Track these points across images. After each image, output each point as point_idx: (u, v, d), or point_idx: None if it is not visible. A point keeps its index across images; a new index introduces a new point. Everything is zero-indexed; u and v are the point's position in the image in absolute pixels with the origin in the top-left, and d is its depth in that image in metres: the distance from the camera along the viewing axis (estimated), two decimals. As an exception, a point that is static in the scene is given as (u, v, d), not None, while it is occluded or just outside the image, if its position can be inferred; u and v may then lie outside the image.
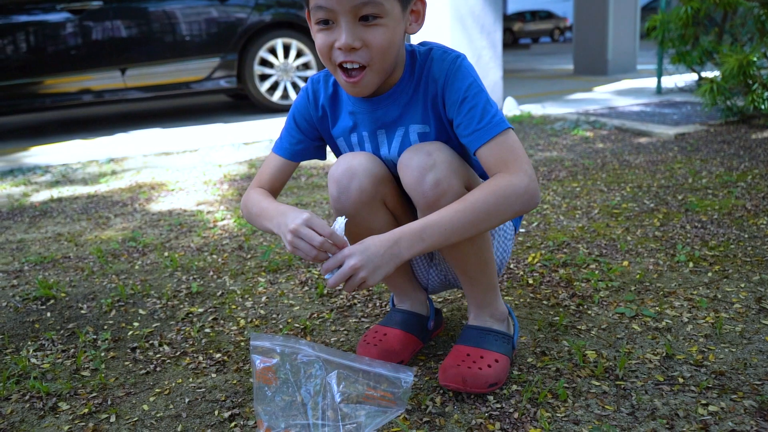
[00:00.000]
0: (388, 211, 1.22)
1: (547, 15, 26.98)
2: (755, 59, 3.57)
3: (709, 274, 1.64)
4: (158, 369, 1.34)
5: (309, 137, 1.25)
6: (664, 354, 1.26)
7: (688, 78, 5.64)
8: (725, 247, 1.82)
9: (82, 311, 1.66)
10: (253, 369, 1.04)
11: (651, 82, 6.45)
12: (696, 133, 3.61)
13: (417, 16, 1.09)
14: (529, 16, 26.69)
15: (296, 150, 1.26)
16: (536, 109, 4.92)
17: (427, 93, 1.13)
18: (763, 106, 3.53)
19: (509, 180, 1.02)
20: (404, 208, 1.24)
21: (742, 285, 1.56)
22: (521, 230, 2.08)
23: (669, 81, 5.85)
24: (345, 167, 1.16)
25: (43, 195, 3.07)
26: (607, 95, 5.74)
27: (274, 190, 1.26)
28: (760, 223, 2.00)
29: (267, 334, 1.13)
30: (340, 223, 1.05)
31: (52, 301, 1.74)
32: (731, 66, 3.55)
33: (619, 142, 3.52)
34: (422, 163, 1.09)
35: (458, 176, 1.10)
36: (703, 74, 5.06)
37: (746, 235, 1.90)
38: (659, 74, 5.71)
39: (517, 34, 25.74)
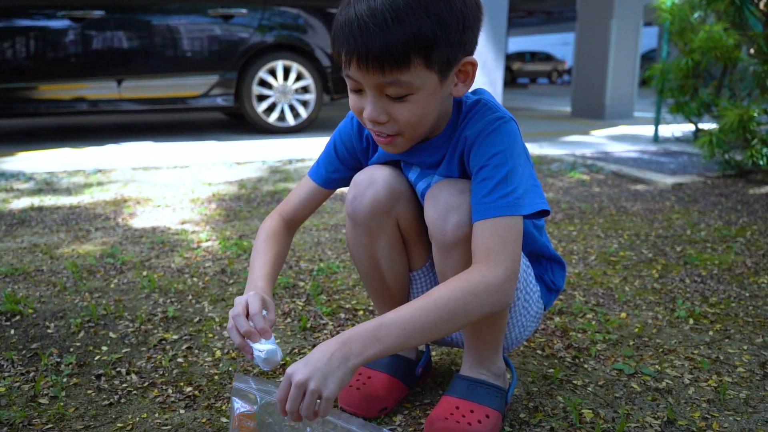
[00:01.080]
0: (399, 232, 1.16)
1: (546, 57, 27.43)
2: (755, 114, 3.57)
3: (710, 332, 1.57)
4: (123, 401, 1.24)
5: (347, 166, 1.20)
6: (666, 419, 1.18)
7: (685, 128, 5.67)
8: (726, 304, 1.75)
9: (49, 330, 1.56)
10: (231, 413, 0.96)
11: (647, 130, 6.47)
12: (693, 183, 3.59)
13: (465, 77, 0.99)
14: (529, 56, 27.12)
15: (333, 178, 1.20)
16: (533, 149, 4.90)
17: (457, 148, 1.06)
18: (761, 162, 3.52)
19: (483, 275, 0.93)
20: (418, 236, 1.17)
21: (745, 347, 1.49)
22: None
23: (666, 130, 5.87)
24: (367, 173, 1.12)
25: (23, 202, 2.97)
26: (603, 140, 5.74)
27: (298, 219, 1.21)
28: (761, 281, 1.94)
29: (251, 377, 1.04)
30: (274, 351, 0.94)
31: (17, 317, 1.64)
32: (731, 120, 3.54)
33: (615, 188, 3.49)
34: (451, 200, 1.02)
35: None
36: (701, 126, 5.08)
37: (747, 294, 1.83)
38: (657, 122, 5.73)
39: (516, 74, 26.10)
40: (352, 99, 1.00)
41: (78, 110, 5.01)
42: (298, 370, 0.85)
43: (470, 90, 1.09)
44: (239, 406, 0.96)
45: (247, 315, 0.95)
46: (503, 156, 0.99)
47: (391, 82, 0.92)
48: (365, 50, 0.90)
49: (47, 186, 3.37)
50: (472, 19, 0.95)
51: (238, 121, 6.71)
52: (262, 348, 0.92)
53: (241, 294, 1.79)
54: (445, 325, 0.91)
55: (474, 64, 0.98)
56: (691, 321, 1.64)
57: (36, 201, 3.00)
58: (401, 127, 0.98)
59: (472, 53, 0.98)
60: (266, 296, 1.00)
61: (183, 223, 2.62)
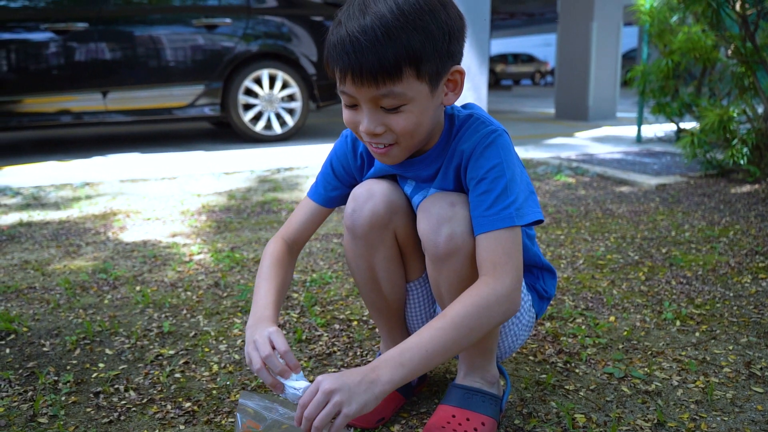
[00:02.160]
0: (396, 244, 1.19)
1: (529, 58, 27.61)
2: (735, 115, 3.64)
3: (697, 334, 1.61)
4: (122, 418, 1.25)
5: (345, 184, 1.22)
6: (656, 421, 1.21)
7: (667, 128, 5.75)
8: (711, 305, 1.80)
9: (45, 348, 1.57)
10: (237, 428, 0.97)
11: (630, 130, 6.56)
12: (677, 184, 3.65)
13: (454, 86, 1.03)
14: (512, 58, 27.29)
15: (332, 196, 1.23)
16: (520, 153, 4.93)
17: (453, 162, 1.09)
18: (742, 161, 3.59)
19: (492, 288, 0.98)
20: (415, 248, 1.20)
21: (731, 347, 1.53)
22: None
23: (648, 130, 5.95)
24: (366, 187, 1.15)
25: (11, 218, 2.96)
26: (587, 141, 5.81)
27: (301, 240, 1.23)
28: (744, 281, 1.99)
29: (258, 394, 1.06)
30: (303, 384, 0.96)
31: (12, 336, 1.64)
32: (711, 120, 3.61)
33: (601, 190, 3.54)
34: (442, 212, 1.06)
35: (474, 237, 1.05)
36: (682, 125, 5.16)
37: (731, 294, 1.88)
38: (639, 123, 5.81)
39: (499, 76, 26.26)
40: (347, 114, 1.03)
41: (63, 123, 4.99)
42: (327, 379, 0.89)
43: (460, 104, 1.12)
44: (244, 420, 0.98)
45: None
46: (501, 168, 1.03)
47: (386, 94, 0.96)
48: (359, 66, 0.93)
49: (35, 200, 3.35)
50: (456, 30, 0.99)
51: (225, 131, 6.71)
52: (298, 386, 0.94)
53: (238, 308, 1.80)
54: (464, 341, 0.96)
55: (462, 73, 1.02)
56: (677, 323, 1.68)
57: (24, 216, 2.99)
58: (398, 136, 1.01)
59: (459, 62, 1.03)
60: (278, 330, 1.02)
61: (174, 235, 2.63)
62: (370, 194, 1.14)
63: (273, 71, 5.49)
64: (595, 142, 5.70)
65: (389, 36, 0.92)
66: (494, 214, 1.02)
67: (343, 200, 1.23)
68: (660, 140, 5.68)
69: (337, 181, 1.23)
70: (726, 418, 1.22)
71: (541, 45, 33.06)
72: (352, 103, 1.01)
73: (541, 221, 1.08)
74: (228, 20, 5.32)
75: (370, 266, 1.20)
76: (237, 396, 1.34)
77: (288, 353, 0.96)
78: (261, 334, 0.98)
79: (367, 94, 0.96)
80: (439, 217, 1.06)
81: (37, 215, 3.01)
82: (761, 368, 1.42)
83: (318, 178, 1.25)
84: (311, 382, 0.94)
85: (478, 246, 1.03)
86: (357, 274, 1.23)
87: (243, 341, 1.60)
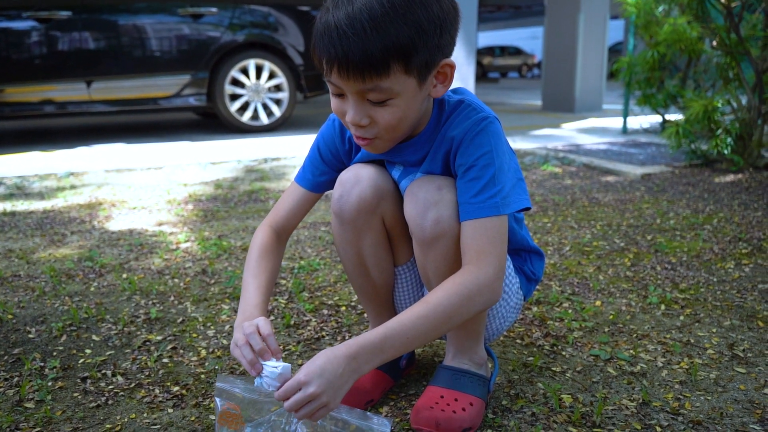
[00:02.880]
0: (384, 229, 1.18)
1: (516, 51, 27.68)
2: (719, 105, 3.67)
3: (681, 317, 1.63)
4: (110, 402, 1.25)
5: (333, 169, 1.21)
6: (641, 400, 1.23)
7: (653, 119, 5.80)
8: (695, 290, 1.82)
9: (30, 335, 1.56)
10: (216, 411, 0.97)
11: (616, 122, 6.60)
12: (662, 174, 3.68)
13: (444, 78, 1.00)
14: (499, 51, 27.34)
15: (320, 181, 1.21)
16: (506, 143, 4.96)
17: (442, 147, 1.09)
18: (726, 151, 3.63)
19: (475, 276, 0.98)
20: (402, 232, 1.19)
21: (714, 330, 1.55)
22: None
23: (634, 122, 5.99)
24: (353, 172, 1.14)
25: (-5, 207, 2.92)
26: (574, 132, 5.84)
27: (289, 227, 1.21)
28: (728, 267, 2.01)
29: (233, 376, 1.06)
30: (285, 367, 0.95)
31: (-3, 323, 1.63)
32: (696, 111, 3.64)
33: (587, 179, 3.56)
34: (429, 196, 1.05)
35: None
36: (668, 116, 5.20)
37: (715, 279, 1.90)
38: (625, 114, 5.85)
39: (486, 68, 26.30)
40: (334, 102, 1.02)
41: (46, 113, 4.93)
42: (314, 381, 0.88)
43: (450, 89, 1.12)
44: (223, 404, 0.97)
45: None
46: (490, 156, 1.03)
47: (372, 89, 0.94)
48: (345, 59, 0.91)
49: (18, 190, 3.31)
50: (449, 22, 0.96)
51: (211, 121, 6.66)
52: (277, 365, 0.93)
53: (226, 294, 1.80)
54: (443, 327, 0.96)
55: (452, 66, 1.00)
56: (662, 307, 1.70)
57: (8, 206, 2.95)
58: (380, 129, 1.00)
59: (449, 55, 1.01)
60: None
61: (160, 224, 2.61)
62: (357, 179, 1.13)
63: (260, 61, 5.46)
64: (582, 133, 5.74)
65: (377, 28, 0.89)
66: (481, 202, 1.02)
67: (330, 185, 1.22)
68: (645, 131, 5.72)
69: (325, 166, 1.21)
70: (709, 398, 1.24)
71: (528, 38, 33.13)
72: (339, 93, 0.99)
73: (528, 208, 1.08)
74: (214, 9, 5.28)
75: (357, 251, 1.20)
76: (225, 380, 1.33)
77: (271, 337, 0.96)
78: (249, 322, 0.98)
79: (353, 87, 0.95)
80: (425, 201, 1.06)
81: (21, 205, 2.98)
82: (744, 350, 1.44)
83: (305, 162, 1.23)
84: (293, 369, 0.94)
85: (463, 233, 1.03)
86: (345, 259, 1.23)
87: (231, 326, 1.60)
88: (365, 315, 1.64)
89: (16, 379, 1.34)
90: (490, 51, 27.21)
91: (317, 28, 0.95)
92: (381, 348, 0.92)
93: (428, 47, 0.94)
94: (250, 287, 1.09)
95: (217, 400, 0.99)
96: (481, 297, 0.98)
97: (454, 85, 1.12)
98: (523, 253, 1.27)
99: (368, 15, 0.89)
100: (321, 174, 1.21)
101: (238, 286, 1.86)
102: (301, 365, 1.40)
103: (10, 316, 1.67)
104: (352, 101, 0.97)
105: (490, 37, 35.78)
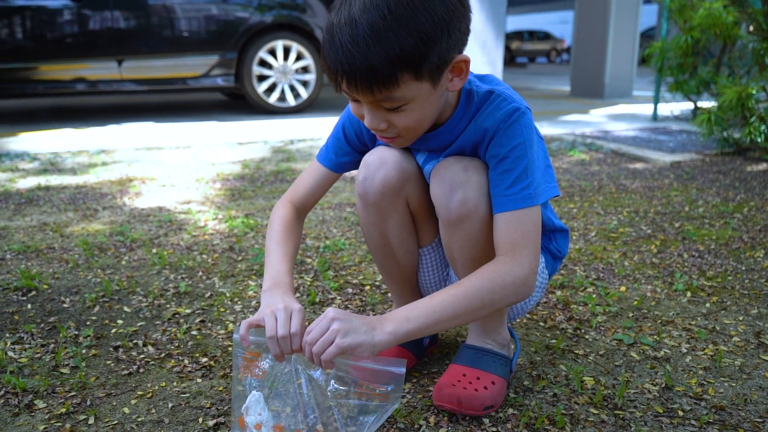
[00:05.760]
0: (408, 211, 1.19)
1: (545, 36, 27.25)
2: (754, 92, 3.59)
3: (707, 304, 1.62)
4: (141, 370, 1.29)
5: (356, 150, 1.21)
6: (664, 385, 1.23)
7: (684, 106, 5.69)
8: (723, 278, 1.80)
9: (65, 305, 1.61)
10: (235, 362, 1.00)
11: (646, 108, 6.49)
12: (692, 161, 3.62)
13: (459, 72, 0.97)
14: (527, 35, 26.94)
15: (342, 162, 1.21)
16: (533, 128, 4.91)
17: (472, 138, 1.08)
18: (759, 139, 3.55)
19: (510, 268, 0.98)
20: (426, 214, 1.20)
21: (741, 318, 1.54)
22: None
23: (665, 108, 5.88)
24: (378, 154, 1.14)
25: (30, 182, 3.00)
26: (603, 118, 5.76)
27: (309, 204, 1.22)
28: (757, 256, 1.98)
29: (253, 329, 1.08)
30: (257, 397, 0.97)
31: (33, 293, 1.68)
32: (730, 97, 3.57)
33: (615, 166, 3.52)
34: (455, 177, 1.06)
35: (488, 202, 1.06)
36: (700, 103, 5.09)
37: (743, 268, 1.88)
38: (656, 101, 5.75)
39: (515, 53, 25.93)
40: (353, 106, 1.02)
41: (78, 90, 5.01)
42: (334, 311, 0.92)
43: (477, 75, 1.11)
44: (244, 353, 0.99)
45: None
46: (523, 148, 1.03)
47: (384, 99, 0.93)
48: (352, 73, 0.89)
49: (52, 166, 3.39)
50: (456, 19, 0.91)
51: (239, 102, 6.71)
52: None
53: (253, 271, 1.83)
54: (473, 312, 0.98)
55: (466, 61, 0.97)
56: (688, 294, 1.69)
57: (42, 181, 3.03)
58: (400, 131, 1.00)
59: (462, 50, 0.97)
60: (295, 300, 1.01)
61: (189, 202, 2.66)
62: (382, 162, 1.14)
63: (287, 42, 5.47)
64: (611, 120, 5.65)
65: (379, 40, 0.86)
66: (514, 194, 1.02)
67: (353, 166, 1.22)
68: (676, 118, 5.62)
69: (348, 147, 1.21)
70: (734, 384, 1.24)
71: (557, 22, 32.60)
72: (355, 99, 0.98)
73: (556, 196, 1.09)
74: (243, -10, 5.29)
75: (382, 233, 1.21)
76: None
77: (296, 336, 0.95)
78: (286, 308, 0.96)
79: (364, 98, 0.94)
80: (452, 181, 1.06)
81: (54, 180, 3.05)
82: (771, 338, 1.43)
83: (328, 142, 1.23)
84: None
85: (497, 225, 1.03)
86: (369, 240, 1.24)
87: (257, 302, 1.63)
88: (389, 294, 1.66)
89: (52, 345, 1.39)
90: (518, 35, 26.82)
91: (324, 36, 0.93)
92: (407, 316, 0.94)
93: (436, 52, 0.90)
94: (275, 255, 1.10)
95: (237, 350, 1.00)
96: (516, 289, 0.99)
97: (483, 66, 1.11)
98: (548, 233, 1.27)
99: (370, 28, 0.86)
100: (344, 154, 1.21)
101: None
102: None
103: (45, 286, 1.72)
104: (366, 109, 0.97)
105: (518, 22, 35.28)
